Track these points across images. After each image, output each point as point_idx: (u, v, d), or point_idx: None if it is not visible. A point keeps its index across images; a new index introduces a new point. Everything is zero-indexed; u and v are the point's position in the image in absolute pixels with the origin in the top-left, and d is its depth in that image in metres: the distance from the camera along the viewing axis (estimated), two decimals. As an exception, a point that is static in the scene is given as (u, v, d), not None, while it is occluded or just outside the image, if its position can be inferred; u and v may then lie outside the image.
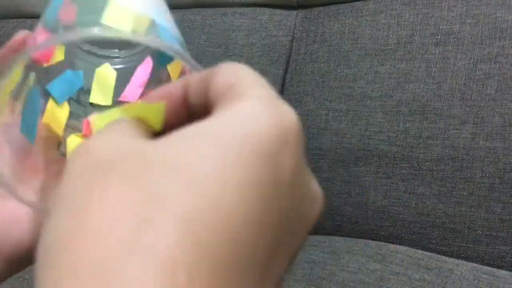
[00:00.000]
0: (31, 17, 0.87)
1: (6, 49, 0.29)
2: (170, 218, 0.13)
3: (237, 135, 0.16)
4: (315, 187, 0.18)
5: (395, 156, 0.57)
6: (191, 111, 0.20)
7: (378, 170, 0.58)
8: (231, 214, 0.14)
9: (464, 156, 0.54)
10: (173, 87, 0.21)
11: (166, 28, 0.27)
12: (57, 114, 0.31)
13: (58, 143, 0.32)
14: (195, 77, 0.20)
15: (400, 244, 0.55)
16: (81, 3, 0.27)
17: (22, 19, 0.88)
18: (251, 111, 0.17)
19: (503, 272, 0.49)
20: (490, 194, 0.52)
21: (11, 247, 0.27)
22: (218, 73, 0.19)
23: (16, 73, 0.26)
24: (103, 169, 0.15)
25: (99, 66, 0.32)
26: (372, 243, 0.53)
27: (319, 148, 0.61)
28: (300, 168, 0.17)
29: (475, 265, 0.49)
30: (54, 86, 0.31)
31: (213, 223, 0.14)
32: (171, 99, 0.21)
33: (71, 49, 0.32)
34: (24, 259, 0.28)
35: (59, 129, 0.31)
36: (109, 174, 0.15)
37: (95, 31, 0.21)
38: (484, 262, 0.52)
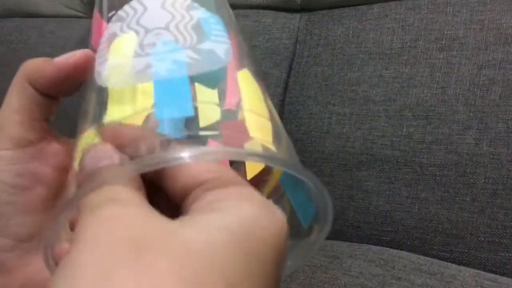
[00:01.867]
0: (34, 16, 0.87)
1: (65, 65, 0.26)
2: None
3: (243, 235, 0.17)
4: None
5: (398, 160, 0.57)
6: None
7: (381, 174, 0.57)
8: None
9: (468, 162, 0.54)
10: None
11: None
12: None
13: None
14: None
15: (402, 249, 0.54)
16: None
17: (25, 18, 0.87)
18: (252, 215, 0.18)
19: (505, 279, 0.49)
20: (493, 200, 0.52)
21: None
22: (183, 169, 0.20)
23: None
24: (136, 249, 0.16)
25: None
26: (374, 248, 0.52)
27: (321, 152, 0.61)
28: (282, 264, 0.19)
29: (478, 271, 0.49)
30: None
31: None
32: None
33: None
34: None
35: None
36: (147, 255, 0.16)
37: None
38: (486, 268, 0.52)
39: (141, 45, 0.23)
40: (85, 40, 0.81)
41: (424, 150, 0.56)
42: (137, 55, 0.23)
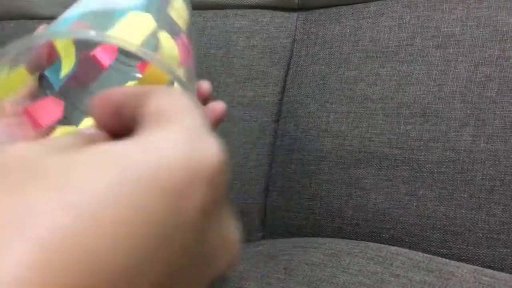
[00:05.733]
0: (32, 18, 0.87)
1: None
2: (27, 243, 0.12)
3: (144, 163, 0.15)
4: (231, 236, 0.17)
5: (396, 158, 0.57)
6: (124, 122, 0.19)
7: (379, 172, 0.58)
8: (103, 250, 0.13)
9: (465, 159, 0.54)
10: (113, 92, 0.20)
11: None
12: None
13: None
14: (131, 90, 0.20)
15: (400, 246, 0.54)
16: (92, 20, 0.28)
17: (23, 20, 0.88)
18: (169, 140, 0.16)
19: (503, 275, 0.49)
20: (491, 197, 0.52)
21: None
22: (154, 94, 0.18)
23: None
24: None
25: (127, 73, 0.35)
26: (372, 245, 0.53)
27: (319, 150, 0.61)
28: (214, 209, 0.16)
29: (476, 267, 0.49)
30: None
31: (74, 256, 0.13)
32: (107, 104, 0.20)
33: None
34: None
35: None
36: None
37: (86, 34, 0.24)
38: (485, 264, 0.52)
39: None
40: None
41: (421, 147, 0.56)
42: None
